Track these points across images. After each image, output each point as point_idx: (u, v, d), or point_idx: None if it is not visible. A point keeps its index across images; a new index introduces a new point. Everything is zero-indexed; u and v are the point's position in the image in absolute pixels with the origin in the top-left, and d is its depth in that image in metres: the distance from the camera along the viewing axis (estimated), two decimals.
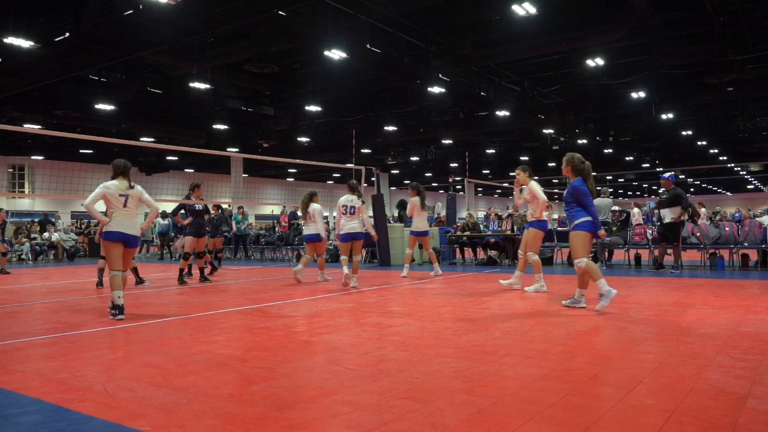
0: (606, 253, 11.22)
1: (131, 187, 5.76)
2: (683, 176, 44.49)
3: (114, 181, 5.73)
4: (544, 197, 7.11)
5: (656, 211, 10.69)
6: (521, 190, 7.37)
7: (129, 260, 5.87)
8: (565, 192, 5.80)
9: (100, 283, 8.75)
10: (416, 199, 9.65)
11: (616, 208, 12.61)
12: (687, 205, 9.49)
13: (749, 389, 2.81)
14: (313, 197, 9.18)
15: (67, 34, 14.17)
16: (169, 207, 13.36)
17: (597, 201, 13.43)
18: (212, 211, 11.88)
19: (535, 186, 7.16)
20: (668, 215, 9.44)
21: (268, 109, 25.38)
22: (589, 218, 5.48)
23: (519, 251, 7.50)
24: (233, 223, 15.72)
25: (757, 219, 10.68)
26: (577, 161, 5.66)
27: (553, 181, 44.71)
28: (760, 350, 3.64)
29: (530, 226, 7.19)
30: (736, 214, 18.19)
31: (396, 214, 16.19)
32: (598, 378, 3.08)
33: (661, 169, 31.84)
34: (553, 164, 35.74)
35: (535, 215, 7.12)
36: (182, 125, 24.89)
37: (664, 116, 22.05)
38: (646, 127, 26.26)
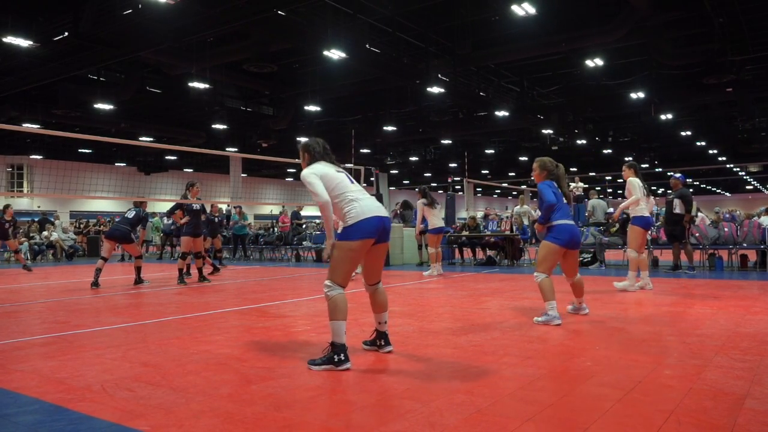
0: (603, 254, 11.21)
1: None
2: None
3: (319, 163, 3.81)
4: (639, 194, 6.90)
5: (660, 207, 10.63)
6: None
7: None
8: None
9: (95, 284, 8.66)
10: (422, 201, 10.02)
11: (611, 210, 12.61)
12: (690, 207, 9.46)
13: (748, 389, 2.81)
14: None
15: (66, 34, 14.17)
16: (168, 207, 13.38)
17: (592, 202, 13.47)
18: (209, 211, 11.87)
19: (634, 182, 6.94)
20: (678, 206, 9.37)
21: (267, 108, 25.38)
22: (562, 222, 4.88)
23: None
24: (230, 222, 15.71)
25: (756, 219, 10.67)
26: (549, 163, 5.18)
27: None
28: (758, 350, 3.64)
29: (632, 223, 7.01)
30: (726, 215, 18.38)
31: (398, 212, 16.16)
32: (596, 378, 3.08)
33: (660, 169, 31.86)
34: None
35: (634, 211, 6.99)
36: (181, 125, 24.89)
37: (663, 117, 22.04)
38: (645, 127, 26.25)
